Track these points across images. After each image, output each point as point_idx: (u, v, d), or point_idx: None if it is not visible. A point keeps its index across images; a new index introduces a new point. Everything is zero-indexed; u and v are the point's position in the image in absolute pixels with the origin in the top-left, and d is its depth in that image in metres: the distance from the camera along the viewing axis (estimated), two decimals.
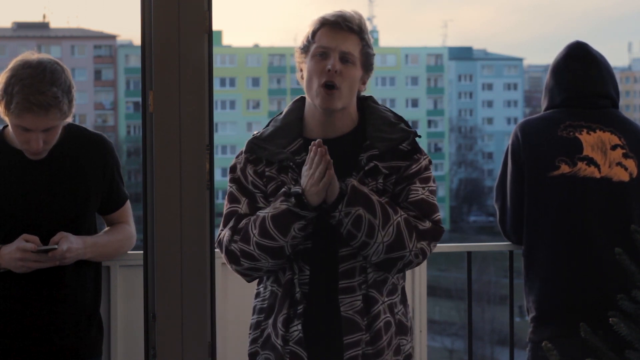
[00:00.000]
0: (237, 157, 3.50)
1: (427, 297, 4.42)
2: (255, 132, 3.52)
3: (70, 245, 3.61)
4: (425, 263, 4.41)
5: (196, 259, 2.67)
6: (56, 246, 3.59)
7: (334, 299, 3.37)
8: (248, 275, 3.43)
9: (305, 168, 3.32)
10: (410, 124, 3.56)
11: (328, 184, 3.29)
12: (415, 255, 3.36)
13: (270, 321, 3.42)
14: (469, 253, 4.52)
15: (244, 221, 3.38)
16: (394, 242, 3.33)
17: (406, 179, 3.42)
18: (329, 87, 3.37)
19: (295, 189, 3.32)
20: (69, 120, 3.67)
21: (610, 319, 3.59)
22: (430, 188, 3.44)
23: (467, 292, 4.58)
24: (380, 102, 3.56)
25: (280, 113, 3.54)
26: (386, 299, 3.42)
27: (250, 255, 3.35)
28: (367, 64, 3.46)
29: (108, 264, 4.04)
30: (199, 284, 2.66)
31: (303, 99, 3.51)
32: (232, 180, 3.48)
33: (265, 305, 3.45)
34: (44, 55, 3.62)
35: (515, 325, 4.66)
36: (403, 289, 3.53)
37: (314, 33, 3.42)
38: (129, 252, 3.97)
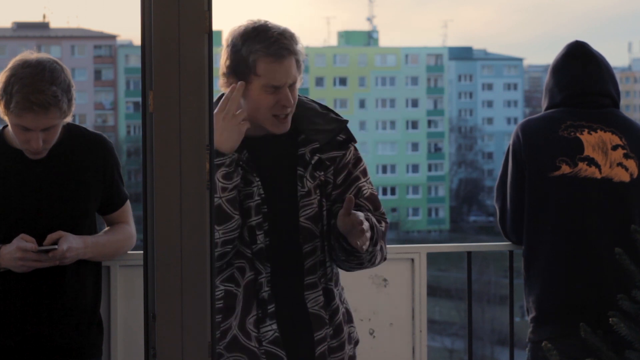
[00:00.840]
0: None
1: (427, 297, 4.42)
2: None
3: (70, 245, 3.61)
4: (425, 263, 4.42)
5: (196, 259, 2.66)
6: (56, 246, 3.59)
7: (300, 296, 3.39)
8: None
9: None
10: (339, 113, 3.56)
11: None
12: (384, 258, 3.51)
13: (235, 323, 3.37)
14: (469, 253, 4.52)
15: None
16: (381, 259, 3.47)
17: (343, 168, 3.44)
18: (283, 116, 3.38)
19: None
20: (69, 119, 3.67)
21: (610, 319, 3.60)
22: (369, 179, 3.52)
23: (467, 292, 4.58)
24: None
25: None
26: (335, 290, 3.48)
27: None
28: (300, 70, 3.43)
29: (108, 264, 4.04)
30: (199, 284, 2.66)
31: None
32: None
33: (221, 306, 3.39)
34: (43, 55, 3.62)
35: (515, 325, 4.66)
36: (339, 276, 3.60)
37: (254, 63, 3.34)
38: (129, 252, 3.97)
